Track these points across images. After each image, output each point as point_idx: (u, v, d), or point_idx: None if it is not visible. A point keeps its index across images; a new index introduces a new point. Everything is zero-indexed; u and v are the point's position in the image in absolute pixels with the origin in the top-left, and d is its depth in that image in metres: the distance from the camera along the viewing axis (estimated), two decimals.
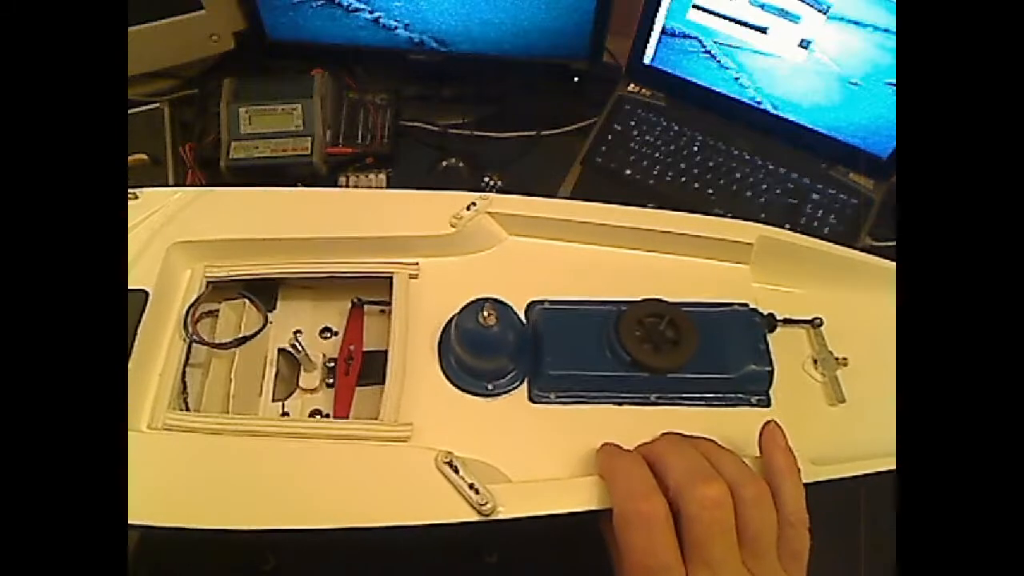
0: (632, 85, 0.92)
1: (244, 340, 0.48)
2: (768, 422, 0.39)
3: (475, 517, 0.38)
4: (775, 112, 0.86)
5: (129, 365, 0.43)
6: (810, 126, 0.85)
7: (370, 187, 0.86)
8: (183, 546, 0.59)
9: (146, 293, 0.46)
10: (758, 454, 0.39)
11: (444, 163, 0.90)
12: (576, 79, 0.94)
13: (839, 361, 0.48)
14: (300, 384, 0.49)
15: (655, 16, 0.84)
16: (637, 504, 0.35)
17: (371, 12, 0.86)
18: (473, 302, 0.43)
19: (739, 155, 0.87)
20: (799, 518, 0.36)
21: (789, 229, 0.52)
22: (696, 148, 0.88)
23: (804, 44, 0.79)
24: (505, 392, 0.45)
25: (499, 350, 0.43)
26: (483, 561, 0.64)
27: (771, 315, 0.48)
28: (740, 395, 0.45)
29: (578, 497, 0.39)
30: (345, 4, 0.85)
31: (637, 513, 0.35)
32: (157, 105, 0.90)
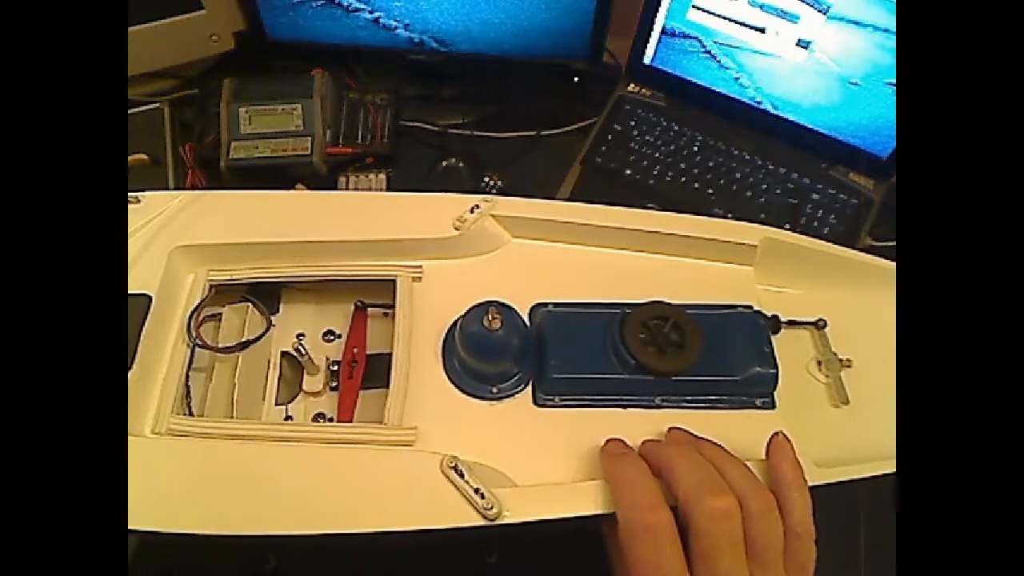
0: (632, 85, 0.92)
1: (247, 344, 0.48)
2: (776, 433, 0.39)
3: (480, 522, 0.38)
4: (775, 112, 0.86)
5: (133, 370, 0.43)
6: (810, 126, 0.85)
7: (370, 187, 0.86)
8: (184, 546, 0.59)
9: (149, 297, 0.45)
10: (763, 457, 0.39)
11: (444, 163, 0.89)
12: (576, 79, 0.94)
13: (843, 362, 0.48)
14: (304, 387, 0.49)
15: (655, 16, 0.84)
16: (643, 515, 0.35)
17: (371, 12, 0.86)
18: (477, 305, 0.43)
19: (739, 155, 0.87)
20: (805, 530, 0.36)
21: (789, 229, 0.52)
22: (696, 148, 0.87)
23: (804, 44, 0.79)
24: (509, 395, 0.45)
25: (504, 353, 0.43)
26: (483, 561, 0.64)
27: (775, 317, 0.48)
28: (745, 397, 0.45)
29: (583, 502, 0.39)
30: (345, 4, 0.85)
31: (643, 524, 0.35)
32: (157, 105, 0.89)
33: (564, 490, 0.41)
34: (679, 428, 0.42)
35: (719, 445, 0.39)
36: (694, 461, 0.37)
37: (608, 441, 0.41)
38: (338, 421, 0.47)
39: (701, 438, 0.40)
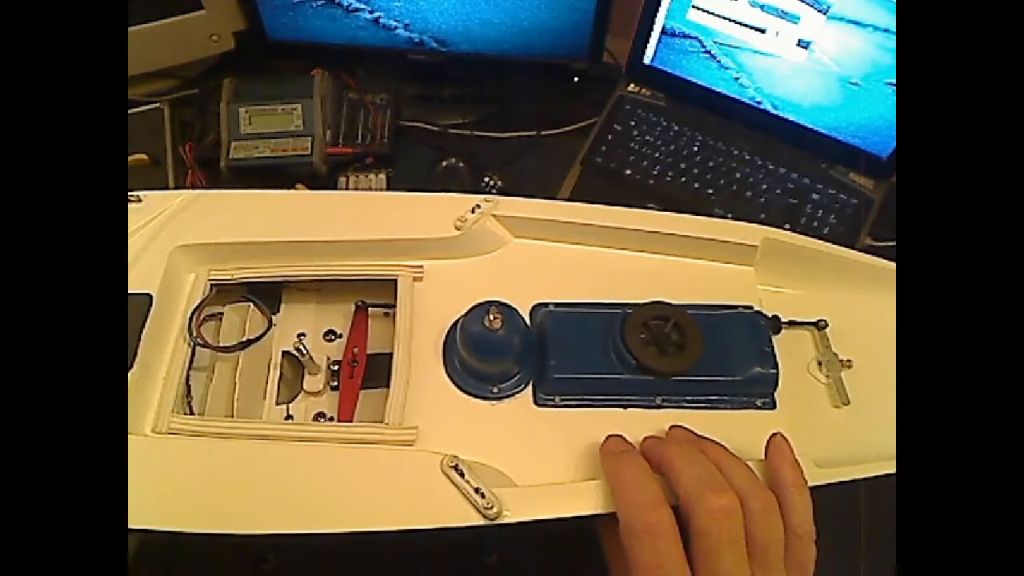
0: (632, 85, 0.92)
1: (248, 343, 0.48)
2: (775, 434, 0.39)
3: (481, 521, 0.38)
4: (775, 112, 0.86)
5: (133, 369, 0.43)
6: (810, 126, 0.85)
7: (370, 187, 0.86)
8: (184, 545, 0.59)
9: (150, 297, 0.45)
10: (763, 457, 0.39)
11: (444, 163, 0.89)
12: (576, 79, 0.94)
13: (843, 363, 0.48)
14: (304, 387, 0.48)
15: (655, 16, 0.85)
16: (644, 515, 0.35)
17: (371, 12, 0.86)
18: (478, 305, 0.43)
19: (739, 155, 0.87)
20: (806, 530, 0.36)
21: (789, 229, 0.52)
22: (696, 148, 0.88)
23: (804, 44, 0.79)
24: (510, 395, 0.45)
25: (504, 353, 0.43)
26: (483, 561, 0.64)
27: (776, 317, 0.48)
28: (745, 397, 0.45)
29: (583, 502, 0.39)
30: (345, 4, 0.85)
31: (644, 524, 0.35)
32: (157, 105, 0.89)
33: (564, 490, 0.41)
34: (681, 427, 0.42)
35: (721, 444, 0.39)
36: (695, 459, 0.37)
37: (608, 437, 0.41)
38: (338, 421, 0.47)
39: (703, 437, 0.40)
